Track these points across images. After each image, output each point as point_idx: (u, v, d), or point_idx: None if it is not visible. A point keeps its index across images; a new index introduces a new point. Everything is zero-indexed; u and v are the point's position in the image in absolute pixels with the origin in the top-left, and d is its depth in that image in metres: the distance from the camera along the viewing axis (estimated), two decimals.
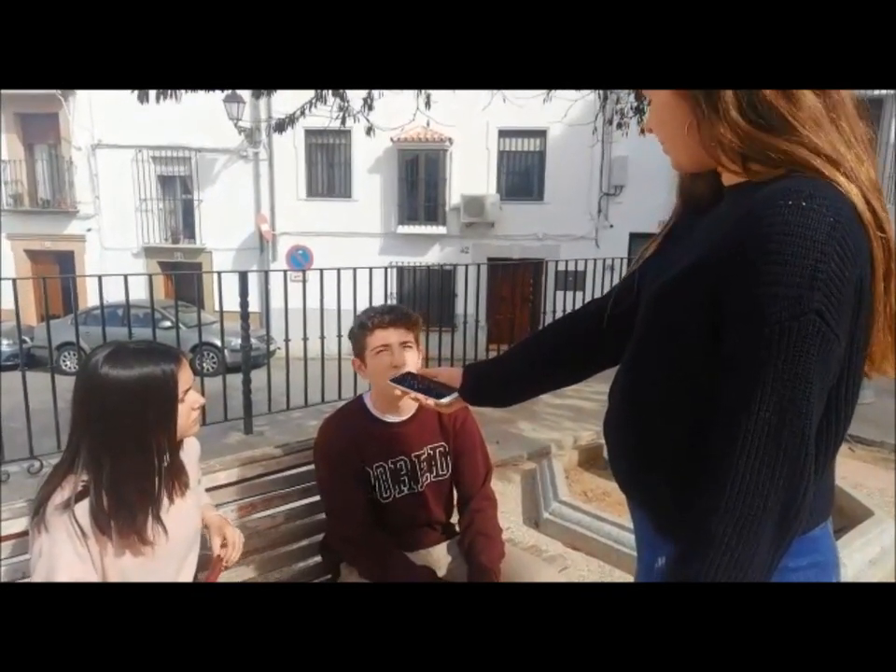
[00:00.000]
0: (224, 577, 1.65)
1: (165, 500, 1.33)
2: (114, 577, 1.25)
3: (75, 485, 1.21)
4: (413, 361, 1.67)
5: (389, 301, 5.84)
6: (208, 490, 1.68)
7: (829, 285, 0.65)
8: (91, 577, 1.20)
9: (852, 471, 3.92)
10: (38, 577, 1.18)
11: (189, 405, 1.31)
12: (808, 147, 0.71)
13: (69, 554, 1.17)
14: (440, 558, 1.81)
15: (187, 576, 1.41)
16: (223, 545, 1.51)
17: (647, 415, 0.87)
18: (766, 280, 0.66)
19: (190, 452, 1.47)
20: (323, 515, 1.86)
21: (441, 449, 1.81)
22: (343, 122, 5.35)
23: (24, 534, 1.34)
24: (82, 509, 1.20)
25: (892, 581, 2.77)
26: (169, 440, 1.27)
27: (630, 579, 2.78)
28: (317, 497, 1.86)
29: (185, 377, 1.28)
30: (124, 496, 1.21)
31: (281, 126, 5.57)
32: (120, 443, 1.21)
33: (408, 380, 1.30)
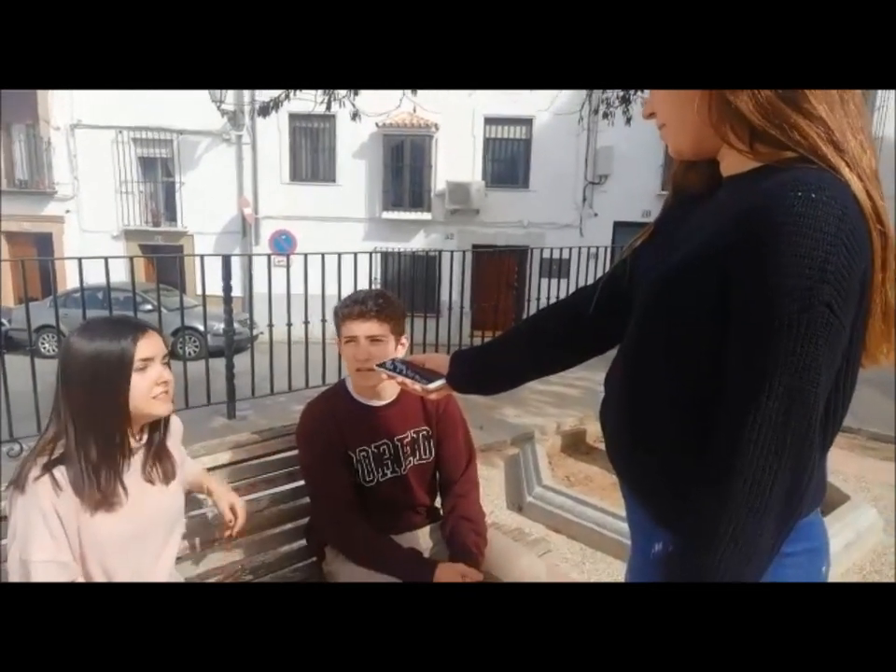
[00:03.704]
0: (212, 563, 1.65)
1: (145, 481, 1.33)
2: (92, 558, 1.24)
3: (52, 452, 1.22)
4: (381, 356, 1.59)
5: (374, 286, 5.82)
6: None
7: (838, 277, 0.65)
8: (65, 556, 1.20)
9: (829, 458, 3.99)
10: (12, 557, 1.18)
11: (152, 378, 1.27)
12: (820, 128, 0.72)
13: (43, 532, 1.17)
14: (423, 541, 1.82)
15: (168, 559, 1.41)
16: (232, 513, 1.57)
17: (646, 401, 0.87)
18: (777, 271, 0.66)
19: (173, 432, 1.45)
20: (307, 499, 1.86)
21: (425, 433, 1.81)
22: (328, 107, 5.29)
23: (3, 518, 1.32)
24: (61, 472, 1.21)
25: (866, 563, 2.84)
26: (119, 410, 1.25)
27: (611, 561, 2.84)
28: (302, 482, 1.86)
29: (147, 348, 1.26)
30: (88, 464, 1.22)
31: (265, 110, 5.50)
32: (80, 411, 1.23)
33: (395, 365, 1.30)
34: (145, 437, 1.35)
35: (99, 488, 1.22)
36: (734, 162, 0.80)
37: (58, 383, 1.25)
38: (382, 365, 1.31)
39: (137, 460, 1.33)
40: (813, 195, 0.66)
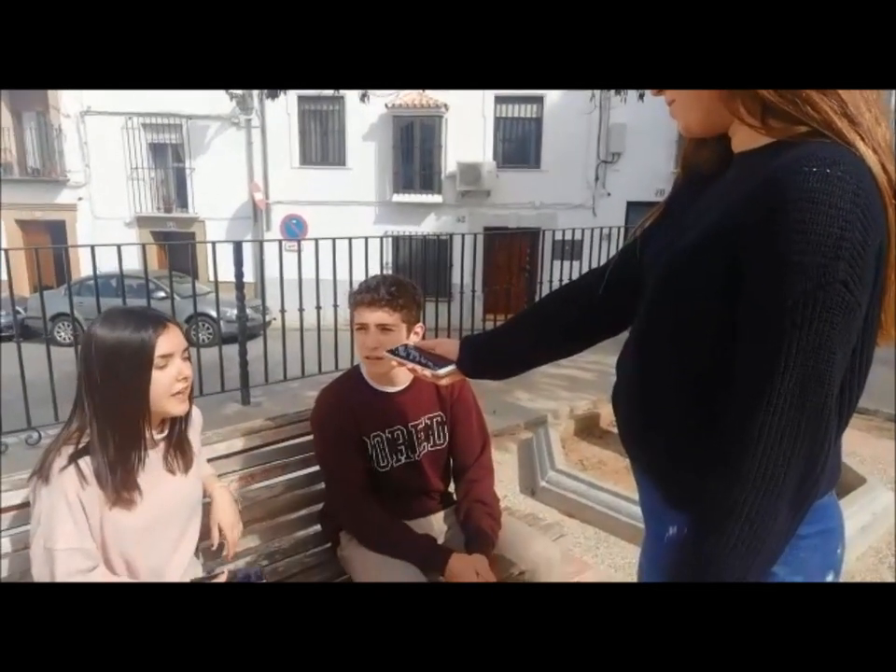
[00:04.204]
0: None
1: (166, 472, 1.34)
2: (113, 547, 1.26)
3: (77, 442, 1.23)
4: (390, 345, 1.47)
5: (385, 271, 5.80)
6: (208, 461, 1.68)
7: (853, 254, 0.64)
8: (88, 544, 1.21)
9: (846, 440, 3.92)
10: (36, 545, 1.20)
11: (172, 375, 1.27)
12: (834, 102, 0.70)
13: (67, 520, 1.19)
14: (437, 526, 1.83)
15: (187, 546, 1.42)
16: (221, 535, 1.53)
17: (656, 383, 0.87)
18: (792, 249, 0.65)
19: (195, 425, 1.46)
20: (322, 485, 1.87)
21: (439, 419, 1.81)
22: (337, 89, 5.26)
23: (24, 506, 1.34)
24: (86, 462, 1.22)
25: (882, 546, 2.82)
26: (139, 404, 1.25)
27: (625, 545, 2.84)
28: (316, 467, 1.86)
29: (167, 344, 1.25)
30: (109, 456, 1.22)
31: (274, 93, 5.48)
32: (102, 402, 1.22)
33: (405, 351, 1.30)
34: (166, 429, 1.36)
35: (121, 480, 1.23)
36: (745, 138, 0.79)
37: (79, 374, 1.25)
38: (391, 351, 1.31)
39: (159, 451, 1.34)
40: (827, 170, 0.64)
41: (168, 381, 1.27)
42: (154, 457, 1.32)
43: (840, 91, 0.70)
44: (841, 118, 0.70)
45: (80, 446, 1.23)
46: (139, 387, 1.23)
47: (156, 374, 1.24)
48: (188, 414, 1.39)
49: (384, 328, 1.64)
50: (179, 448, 1.37)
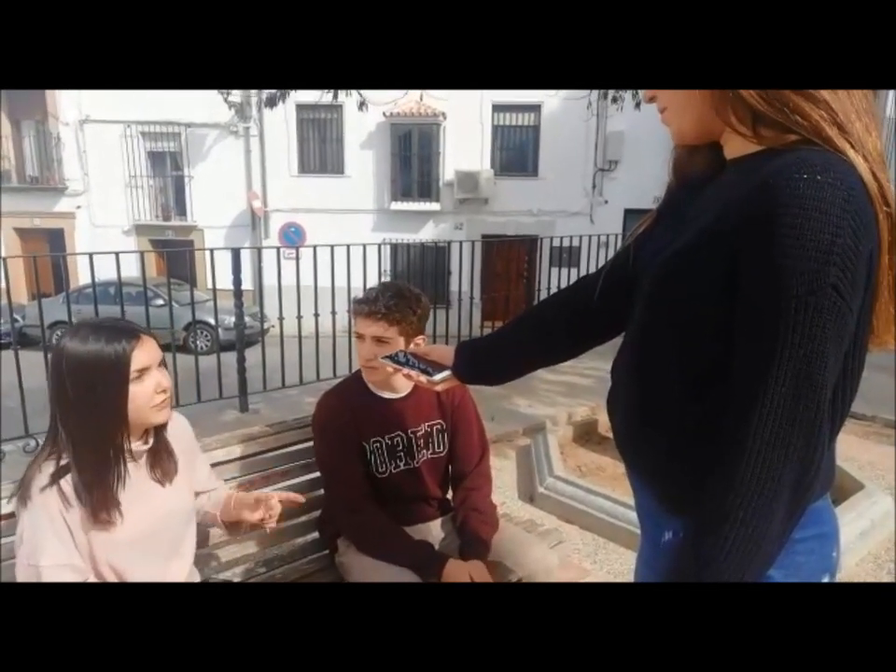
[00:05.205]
0: (226, 556, 1.66)
1: (154, 482, 1.31)
2: (103, 561, 1.23)
3: (58, 461, 1.19)
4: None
5: (384, 279, 5.81)
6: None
7: (844, 259, 0.65)
8: (75, 559, 1.18)
9: (843, 445, 3.95)
10: (20, 563, 1.17)
11: (151, 388, 1.23)
12: (824, 111, 0.71)
13: (50, 538, 1.16)
14: (435, 533, 1.82)
15: (185, 557, 1.40)
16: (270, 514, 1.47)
17: (654, 386, 0.87)
18: (783, 254, 0.66)
19: (179, 433, 1.41)
20: (320, 491, 1.87)
21: (439, 426, 1.81)
22: (335, 97, 5.28)
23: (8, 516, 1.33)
24: (67, 483, 1.18)
25: (881, 552, 2.82)
26: (118, 420, 1.20)
27: (623, 551, 2.83)
28: (315, 474, 1.86)
29: (143, 357, 1.21)
30: (84, 472, 1.18)
31: (272, 101, 5.51)
32: (76, 420, 1.18)
33: (400, 357, 1.30)
34: (151, 439, 1.31)
35: (98, 500, 1.19)
36: (737, 146, 0.80)
37: (50, 392, 1.20)
38: (388, 357, 1.31)
39: (144, 463, 1.31)
40: (818, 177, 0.66)
41: (147, 394, 1.22)
42: (139, 469, 1.29)
43: (830, 101, 0.71)
44: (831, 126, 0.71)
45: (62, 464, 1.19)
46: (116, 404, 1.19)
47: (134, 389, 1.20)
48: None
49: (380, 340, 1.64)
50: (164, 455, 1.33)
